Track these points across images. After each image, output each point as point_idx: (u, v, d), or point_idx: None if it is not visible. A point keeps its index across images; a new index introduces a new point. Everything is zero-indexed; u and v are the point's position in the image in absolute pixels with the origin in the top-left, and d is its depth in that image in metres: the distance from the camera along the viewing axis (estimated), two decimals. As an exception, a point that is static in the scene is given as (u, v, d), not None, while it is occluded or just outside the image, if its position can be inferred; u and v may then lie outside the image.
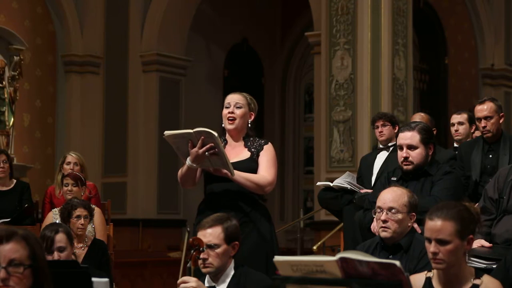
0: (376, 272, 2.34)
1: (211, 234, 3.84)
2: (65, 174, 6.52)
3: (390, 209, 4.06)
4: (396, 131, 6.32)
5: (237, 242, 3.90)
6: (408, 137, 4.78)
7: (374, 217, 4.32)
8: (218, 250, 3.83)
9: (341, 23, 10.19)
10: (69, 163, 7.04)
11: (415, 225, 4.22)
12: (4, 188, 7.33)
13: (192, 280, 3.63)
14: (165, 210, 12.48)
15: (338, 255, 2.37)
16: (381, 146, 6.57)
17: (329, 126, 10.23)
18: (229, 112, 4.62)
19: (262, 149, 4.63)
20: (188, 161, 4.42)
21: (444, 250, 3.16)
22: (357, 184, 6.08)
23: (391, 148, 6.35)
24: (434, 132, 5.26)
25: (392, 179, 4.86)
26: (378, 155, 6.49)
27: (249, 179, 4.49)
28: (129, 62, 12.59)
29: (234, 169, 4.42)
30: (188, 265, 3.68)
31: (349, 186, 5.96)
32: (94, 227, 5.95)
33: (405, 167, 4.79)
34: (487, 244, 4.34)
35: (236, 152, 4.59)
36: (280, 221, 14.30)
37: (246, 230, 4.30)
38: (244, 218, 4.42)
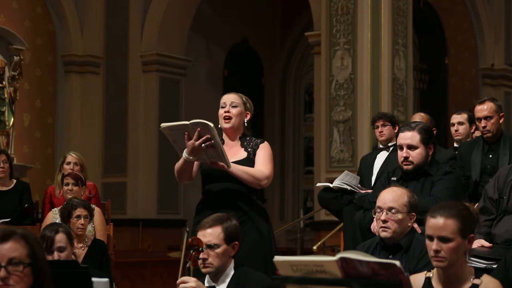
0: (376, 272, 2.34)
1: (211, 234, 3.84)
2: (65, 174, 6.53)
3: (390, 209, 4.06)
4: (396, 131, 6.32)
5: (237, 242, 3.90)
6: (408, 137, 4.78)
7: (374, 217, 4.32)
8: (218, 250, 3.83)
9: (341, 23, 10.19)
10: (69, 163, 7.05)
11: (415, 225, 4.22)
12: (4, 188, 7.33)
13: (191, 280, 3.63)
14: (165, 210, 12.48)
15: (338, 255, 2.37)
16: (381, 146, 6.57)
17: (329, 126, 10.23)
18: (225, 112, 4.62)
19: (258, 148, 4.64)
20: (184, 153, 4.41)
21: (447, 248, 3.17)
22: (356, 184, 6.07)
23: (391, 148, 6.35)
24: (434, 132, 5.26)
25: (392, 179, 4.86)
26: (378, 155, 6.49)
27: (246, 171, 4.50)
28: (129, 62, 12.58)
29: None
30: (188, 265, 3.68)
31: (348, 187, 5.96)
32: (94, 227, 5.95)
33: (405, 167, 4.79)
34: (487, 244, 4.34)
35: (233, 152, 4.59)
36: (280, 221, 14.31)
37: (244, 229, 4.30)
38: (242, 217, 4.42)
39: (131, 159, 12.48)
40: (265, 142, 4.70)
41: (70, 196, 6.10)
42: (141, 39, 12.55)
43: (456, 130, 6.61)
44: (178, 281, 3.66)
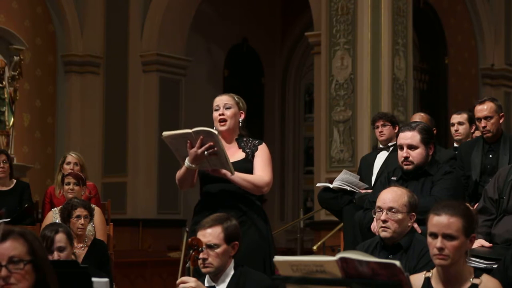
0: (376, 272, 2.34)
1: (211, 234, 3.84)
2: (65, 174, 6.53)
3: (390, 209, 4.06)
4: (396, 131, 6.32)
5: (237, 242, 3.90)
6: (409, 137, 4.79)
7: (374, 217, 4.32)
8: (218, 250, 3.83)
9: (341, 23, 10.19)
10: (69, 163, 7.05)
11: (415, 225, 4.23)
12: (4, 188, 7.33)
13: (191, 280, 3.63)
14: (165, 210, 12.48)
15: (338, 255, 2.37)
16: (381, 146, 6.58)
17: (329, 126, 10.23)
18: (219, 114, 4.61)
19: (256, 149, 4.62)
20: (187, 162, 4.40)
21: (450, 245, 3.18)
22: (356, 183, 6.07)
23: (391, 148, 6.35)
24: (434, 132, 5.26)
25: (392, 179, 4.87)
26: (378, 155, 6.50)
27: (247, 179, 4.49)
28: (129, 62, 12.58)
29: None
30: (187, 265, 3.68)
31: (348, 187, 5.96)
32: (94, 227, 5.95)
33: (405, 167, 4.79)
34: (487, 244, 4.35)
35: (231, 153, 4.57)
36: (280, 221, 14.31)
37: (243, 229, 4.30)
38: (241, 218, 4.42)
39: (131, 159, 12.48)
40: (263, 143, 4.69)
41: (70, 196, 6.10)
42: (141, 39, 12.55)
43: (456, 130, 6.61)
44: (178, 281, 3.66)
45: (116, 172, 12.48)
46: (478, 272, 3.31)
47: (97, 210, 6.05)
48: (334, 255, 2.40)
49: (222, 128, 4.61)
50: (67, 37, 12.48)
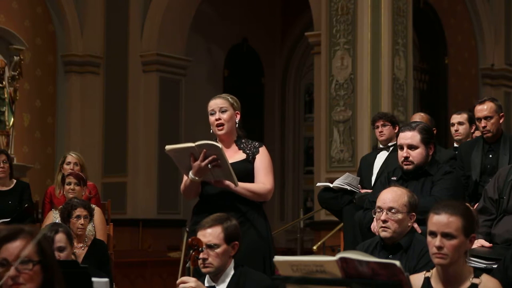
0: (376, 272, 2.34)
1: (211, 234, 3.84)
2: (65, 174, 6.53)
3: (390, 209, 4.06)
4: (396, 131, 6.32)
5: (237, 242, 3.90)
6: (409, 136, 4.79)
7: (374, 217, 4.32)
8: (218, 250, 3.83)
9: (341, 23, 10.19)
10: (69, 163, 7.04)
11: (415, 225, 4.23)
12: (4, 188, 7.33)
13: (191, 280, 3.63)
14: (165, 210, 12.48)
15: (338, 255, 2.37)
16: (381, 146, 6.58)
17: (329, 126, 10.22)
18: (216, 119, 4.60)
19: (257, 151, 4.63)
20: (190, 174, 4.42)
21: (449, 244, 3.18)
22: (356, 185, 6.08)
23: (391, 148, 6.35)
24: (434, 132, 5.26)
25: (392, 179, 4.87)
26: (378, 155, 6.50)
27: (250, 189, 4.51)
28: (129, 62, 12.58)
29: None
30: (187, 265, 3.68)
31: (348, 187, 5.97)
32: (94, 227, 5.95)
33: (405, 167, 4.79)
34: (487, 244, 4.34)
35: (231, 154, 4.58)
36: (280, 221, 14.31)
37: (243, 229, 4.30)
38: (241, 218, 4.42)
39: (131, 159, 12.47)
40: (263, 146, 4.69)
41: (71, 196, 6.10)
42: (141, 39, 12.55)
43: (456, 130, 6.61)
44: (178, 281, 3.66)
45: (116, 172, 12.48)
46: (477, 272, 3.31)
47: (97, 210, 6.05)
48: (334, 255, 2.40)
49: (220, 132, 4.61)
50: (67, 37, 12.48)
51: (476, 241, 4.09)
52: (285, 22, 15.10)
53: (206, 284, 3.85)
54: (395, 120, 6.62)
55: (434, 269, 3.32)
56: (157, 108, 12.46)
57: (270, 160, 4.67)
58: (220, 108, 4.61)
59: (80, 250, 5.54)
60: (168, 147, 4.41)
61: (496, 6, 13.73)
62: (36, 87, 12.10)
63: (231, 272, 3.89)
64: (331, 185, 6.08)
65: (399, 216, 4.05)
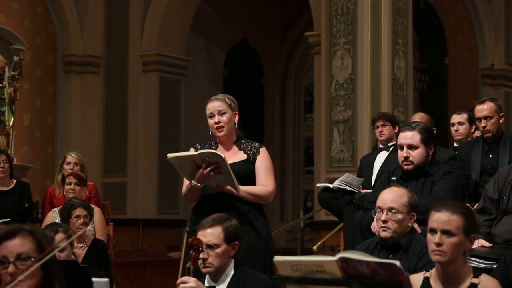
0: (376, 272, 2.34)
1: (211, 234, 3.84)
2: (65, 174, 6.53)
3: (390, 209, 4.06)
4: (396, 131, 6.32)
5: (237, 242, 3.90)
6: (409, 136, 4.79)
7: (374, 217, 4.32)
8: (218, 250, 3.83)
9: (341, 23, 10.19)
10: (69, 163, 7.04)
11: (415, 225, 4.23)
12: (4, 188, 7.32)
13: (191, 280, 3.63)
14: (165, 210, 12.48)
15: (338, 255, 2.37)
16: (381, 146, 6.57)
17: (329, 126, 10.22)
18: (215, 123, 4.61)
19: (258, 152, 4.64)
20: (193, 181, 4.44)
21: (449, 242, 3.18)
22: (357, 185, 6.08)
23: (391, 148, 6.35)
24: (434, 132, 5.26)
25: (392, 179, 4.87)
26: (378, 155, 6.49)
27: (252, 193, 4.53)
28: (129, 62, 12.58)
29: (231, 169, 4.42)
30: (188, 265, 3.69)
31: (348, 188, 5.97)
32: (94, 227, 5.95)
33: (405, 167, 4.79)
34: (487, 244, 4.35)
35: (231, 155, 4.60)
36: (280, 221, 14.31)
37: (243, 229, 4.30)
38: (241, 218, 4.42)
39: (131, 159, 12.48)
40: (263, 146, 4.70)
41: (71, 196, 6.10)
42: (141, 39, 12.55)
43: (456, 130, 6.61)
44: (178, 281, 3.67)
45: (116, 172, 12.48)
46: (477, 272, 3.31)
47: (97, 210, 6.05)
48: (334, 255, 2.40)
49: (220, 134, 4.62)
50: (67, 37, 12.48)
51: (476, 241, 4.09)
52: (285, 22, 15.10)
53: (206, 284, 3.85)
54: (395, 120, 6.61)
55: (434, 269, 3.33)
56: (157, 108, 12.46)
57: (271, 161, 4.68)
58: (219, 111, 4.61)
59: (80, 250, 5.54)
60: (170, 155, 4.43)
61: (496, 6, 13.73)
62: (36, 87, 12.11)
63: (231, 272, 3.89)
64: (331, 185, 6.08)
65: (399, 216, 4.05)
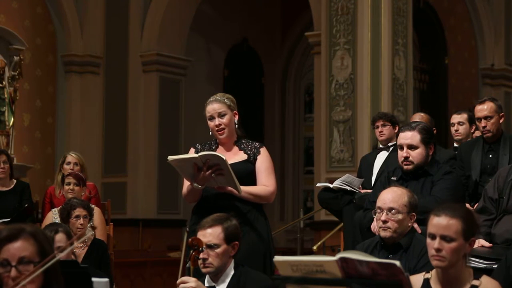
0: (376, 272, 2.34)
1: (211, 234, 3.84)
2: (65, 174, 6.52)
3: (390, 209, 4.06)
4: (396, 131, 6.32)
5: (237, 242, 3.90)
6: (409, 137, 4.79)
7: (374, 217, 4.32)
8: (218, 250, 3.83)
9: (341, 23, 10.19)
10: (69, 163, 7.04)
11: (415, 225, 4.23)
12: (4, 188, 7.32)
13: (191, 280, 3.63)
14: (165, 210, 12.48)
15: (338, 255, 2.37)
16: (381, 146, 6.58)
17: (329, 126, 10.22)
18: (216, 125, 4.60)
19: (259, 152, 4.63)
20: (194, 183, 4.44)
21: (448, 247, 3.16)
22: (358, 186, 6.08)
23: (391, 148, 6.35)
24: (434, 132, 5.26)
25: (392, 179, 4.87)
26: (378, 155, 6.49)
27: (253, 193, 4.53)
28: (129, 62, 12.58)
29: (232, 169, 4.41)
30: (188, 265, 3.68)
31: (348, 188, 5.97)
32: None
33: (405, 167, 4.79)
34: (487, 244, 4.34)
35: (232, 155, 4.59)
36: (280, 221, 14.30)
37: (243, 230, 4.31)
38: (241, 218, 4.42)
39: (131, 159, 12.48)
40: (264, 146, 4.70)
41: (70, 196, 6.10)
42: (141, 39, 12.55)
43: (456, 130, 6.61)
44: (178, 281, 3.67)
45: (116, 172, 12.48)
46: (477, 273, 3.30)
47: (96, 210, 6.05)
48: (334, 255, 2.40)
49: (222, 137, 4.62)
50: (67, 37, 12.48)
51: (476, 241, 4.09)
52: (285, 22, 15.10)
53: (206, 284, 3.85)
54: (395, 120, 6.61)
55: (434, 271, 3.32)
56: (157, 108, 12.46)
57: (271, 162, 4.68)
58: (219, 113, 4.60)
59: (80, 250, 5.53)
60: (170, 157, 4.42)
61: (496, 6, 13.73)
62: (36, 87, 12.10)
63: (231, 272, 3.89)
64: (331, 185, 6.08)
65: (399, 216, 4.05)
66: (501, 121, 5.80)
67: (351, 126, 10.06)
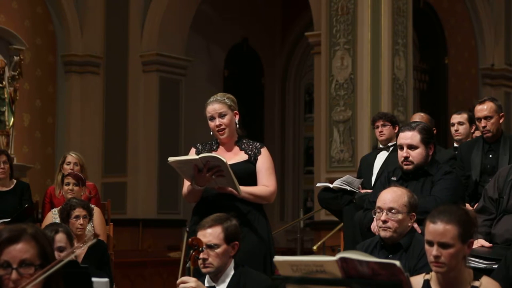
0: (376, 272, 2.34)
1: (211, 234, 3.84)
2: (65, 174, 6.53)
3: (390, 209, 4.06)
4: (396, 131, 6.32)
5: (237, 242, 3.90)
6: (409, 136, 4.79)
7: (374, 217, 4.32)
8: (218, 250, 3.83)
9: (341, 23, 10.19)
10: (69, 163, 7.05)
11: (415, 225, 4.23)
12: (4, 189, 7.32)
13: (191, 280, 3.63)
14: (165, 210, 12.48)
15: (338, 255, 2.37)
16: (381, 146, 6.57)
17: (329, 126, 10.23)
18: (217, 126, 4.60)
19: (259, 152, 4.63)
20: (194, 184, 4.44)
21: (447, 253, 3.15)
22: (357, 186, 6.08)
23: (391, 148, 6.35)
24: (434, 132, 5.26)
25: (392, 179, 4.87)
26: (378, 155, 6.49)
27: (253, 193, 4.54)
28: (129, 62, 12.58)
29: (232, 170, 4.42)
30: (188, 265, 3.69)
31: (348, 188, 5.97)
32: (93, 227, 5.95)
33: (405, 167, 4.79)
34: (487, 244, 4.34)
35: (232, 155, 4.60)
36: (280, 221, 14.30)
37: (243, 230, 4.31)
38: (241, 218, 4.42)
39: (131, 159, 12.47)
40: (264, 146, 4.70)
41: (70, 196, 6.10)
42: (141, 39, 12.55)
43: (456, 130, 6.61)
44: (178, 281, 3.67)
45: (116, 172, 12.48)
46: (477, 273, 3.30)
47: (96, 210, 6.05)
48: (334, 255, 2.40)
49: (222, 137, 4.62)
50: (67, 37, 12.48)
51: (476, 241, 4.09)
52: (285, 22, 15.10)
53: (206, 284, 3.85)
54: (395, 120, 6.61)
55: (434, 272, 3.31)
56: (157, 108, 12.46)
57: (272, 161, 4.68)
58: (219, 114, 4.60)
59: (80, 250, 5.53)
60: (171, 159, 4.42)
61: (496, 6, 13.72)
62: (36, 87, 12.10)
63: (231, 272, 3.89)
64: (331, 185, 6.08)
65: (399, 216, 4.05)
66: (501, 121, 5.80)
67: (351, 126, 10.06)
